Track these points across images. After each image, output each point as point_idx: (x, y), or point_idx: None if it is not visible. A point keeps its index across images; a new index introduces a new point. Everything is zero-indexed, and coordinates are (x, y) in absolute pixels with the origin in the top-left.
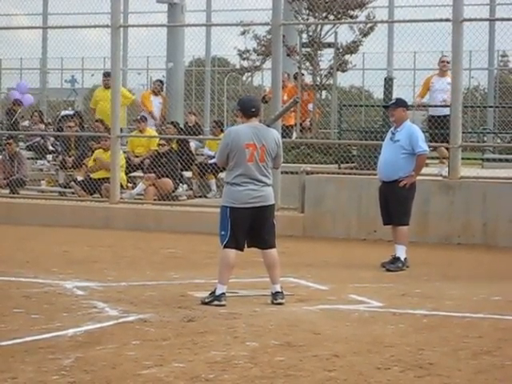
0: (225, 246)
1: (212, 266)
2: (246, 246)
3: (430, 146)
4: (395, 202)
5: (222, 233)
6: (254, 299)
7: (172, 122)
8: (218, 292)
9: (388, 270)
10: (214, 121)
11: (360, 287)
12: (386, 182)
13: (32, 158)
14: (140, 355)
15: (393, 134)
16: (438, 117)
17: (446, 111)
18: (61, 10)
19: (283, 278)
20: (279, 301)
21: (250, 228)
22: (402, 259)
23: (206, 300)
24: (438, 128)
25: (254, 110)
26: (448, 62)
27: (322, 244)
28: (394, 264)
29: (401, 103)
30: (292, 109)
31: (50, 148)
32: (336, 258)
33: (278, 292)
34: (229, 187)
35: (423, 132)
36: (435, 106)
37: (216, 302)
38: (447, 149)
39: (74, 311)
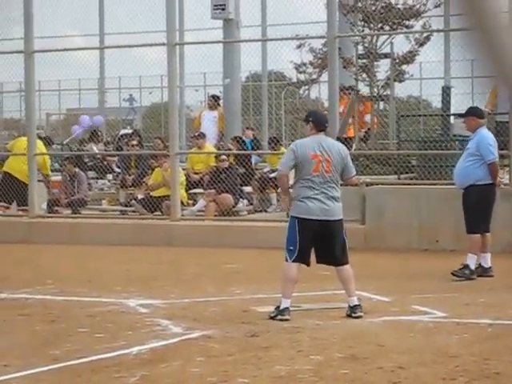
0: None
1: (274, 281)
2: (312, 261)
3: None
4: (464, 209)
5: (291, 248)
6: (317, 313)
7: (235, 138)
8: (282, 306)
9: (453, 275)
10: (270, 138)
11: (423, 298)
12: (461, 189)
13: (93, 178)
14: (205, 371)
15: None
16: (504, 123)
17: None
18: (117, 29)
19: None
20: (358, 314)
21: (318, 243)
22: (472, 268)
23: (272, 315)
24: (503, 135)
25: (326, 124)
26: None
27: (383, 255)
28: (461, 270)
29: (470, 112)
30: (350, 120)
31: (116, 170)
32: (398, 269)
33: (356, 305)
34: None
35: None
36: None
37: (279, 317)
38: (508, 156)
39: (137, 329)
